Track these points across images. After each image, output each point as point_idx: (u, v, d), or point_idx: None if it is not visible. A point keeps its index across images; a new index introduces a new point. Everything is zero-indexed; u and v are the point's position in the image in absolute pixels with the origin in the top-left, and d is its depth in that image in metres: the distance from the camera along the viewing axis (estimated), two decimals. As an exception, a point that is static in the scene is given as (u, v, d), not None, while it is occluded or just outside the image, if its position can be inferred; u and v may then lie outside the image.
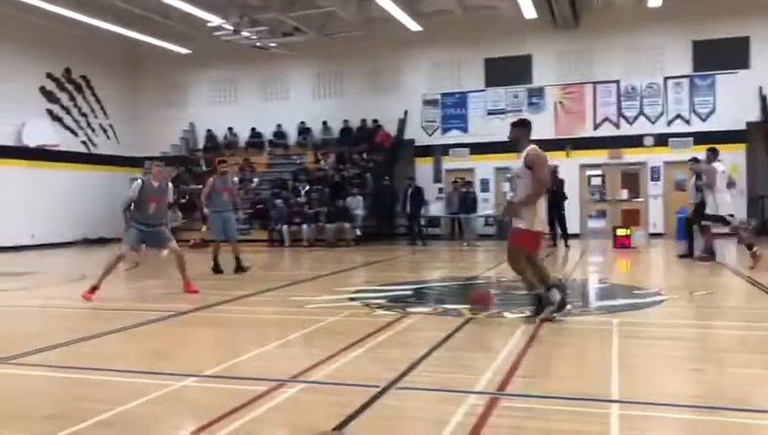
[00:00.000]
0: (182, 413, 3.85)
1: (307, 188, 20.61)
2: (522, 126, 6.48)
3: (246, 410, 3.76)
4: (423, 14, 20.30)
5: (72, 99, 22.33)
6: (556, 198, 16.90)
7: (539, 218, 6.25)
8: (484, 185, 21.21)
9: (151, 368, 4.82)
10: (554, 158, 20.12)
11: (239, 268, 11.58)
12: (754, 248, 10.56)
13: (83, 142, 22.72)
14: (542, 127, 20.77)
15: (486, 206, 20.45)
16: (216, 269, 11.63)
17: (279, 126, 23.40)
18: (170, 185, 9.05)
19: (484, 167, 21.25)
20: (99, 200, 21.36)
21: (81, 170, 21.80)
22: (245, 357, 5.20)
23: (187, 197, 21.32)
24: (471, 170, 21.22)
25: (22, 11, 18.51)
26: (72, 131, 22.28)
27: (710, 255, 11.47)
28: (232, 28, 18.79)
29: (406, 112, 21.81)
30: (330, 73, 23.19)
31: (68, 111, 22.15)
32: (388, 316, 6.82)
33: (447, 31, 21.11)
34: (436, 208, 20.80)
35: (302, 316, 7.02)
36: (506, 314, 6.91)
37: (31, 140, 20.22)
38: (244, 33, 19.12)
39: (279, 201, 20.03)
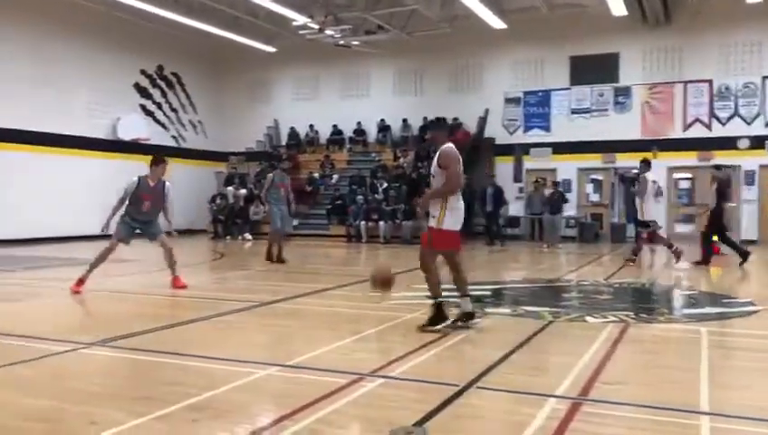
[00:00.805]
0: (267, 401, 3.98)
1: (385, 185, 20.75)
2: (438, 127, 6.42)
3: (327, 402, 3.84)
4: (507, 11, 20.05)
5: (164, 95, 23.31)
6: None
7: (453, 218, 5.97)
8: (567, 186, 20.75)
9: (236, 356, 4.99)
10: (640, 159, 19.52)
11: (281, 260, 12.34)
12: (674, 247, 12.35)
13: (173, 137, 23.68)
14: (628, 127, 20.20)
15: (568, 207, 20.01)
16: (280, 259, 12.30)
17: (359, 123, 23.65)
18: (167, 185, 8.99)
19: (567, 167, 20.81)
20: (186, 193, 22.17)
21: (170, 163, 22.67)
22: (325, 349, 5.30)
23: (270, 191, 21.84)
24: (553, 170, 20.82)
25: (119, 11, 19.45)
26: (163, 126, 23.26)
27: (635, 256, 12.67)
28: (317, 27, 19.12)
29: (487, 110, 21.60)
30: (410, 71, 23.25)
31: (159, 107, 23.14)
32: (467, 316, 6.78)
33: (532, 28, 20.77)
34: (515, 208, 20.53)
35: (379, 312, 7.09)
36: (588, 318, 6.76)
37: (125, 134, 21.23)
38: (328, 32, 19.42)
39: (359, 197, 20.26)
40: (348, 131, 23.99)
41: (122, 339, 5.57)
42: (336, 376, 4.38)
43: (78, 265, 8.87)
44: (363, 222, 19.52)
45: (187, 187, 22.47)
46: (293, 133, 24.66)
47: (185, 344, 5.47)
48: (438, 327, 5.91)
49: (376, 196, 20.35)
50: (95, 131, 20.39)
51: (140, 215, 8.70)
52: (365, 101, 23.82)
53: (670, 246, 12.47)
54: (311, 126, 24.40)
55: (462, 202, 6.07)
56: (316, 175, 22.75)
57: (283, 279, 10.45)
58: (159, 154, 9.39)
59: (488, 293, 8.76)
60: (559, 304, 7.90)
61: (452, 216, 5.96)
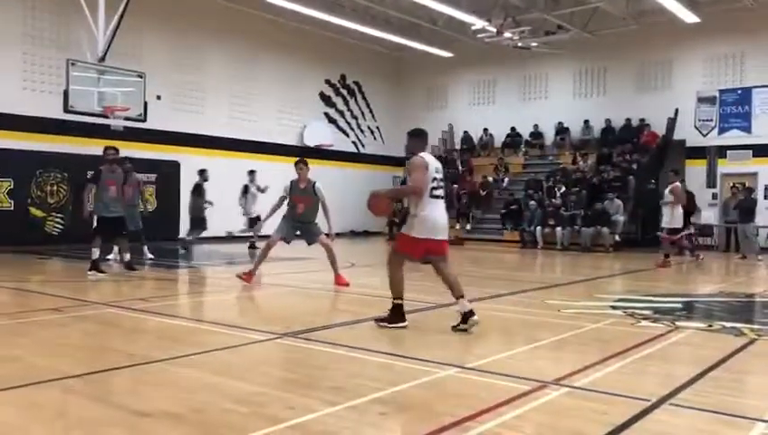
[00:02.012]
0: (449, 401, 4.00)
1: (563, 189, 20.11)
2: (413, 136, 6.46)
3: (510, 407, 3.80)
4: (700, 4, 18.64)
5: (346, 103, 24.45)
6: None
7: (420, 226, 6.08)
8: (769, 192, 18.83)
9: (416, 354, 5.08)
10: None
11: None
12: (696, 253, 14.71)
13: (353, 143, 24.76)
14: None
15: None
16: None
17: (536, 126, 23.16)
18: (318, 185, 9.28)
19: (770, 171, 18.88)
20: (365, 197, 23.05)
21: (350, 168, 23.75)
22: (505, 355, 5.25)
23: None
24: (754, 174, 18.97)
25: (307, 24, 20.70)
26: (345, 133, 24.39)
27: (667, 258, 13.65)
28: (495, 30, 19.02)
29: (676, 111, 20.20)
30: (591, 71, 22.37)
31: (342, 114, 24.30)
32: (656, 329, 6.39)
33: (730, 21, 19.12)
34: (708, 216, 18.98)
35: (559, 320, 6.90)
36: (799, 338, 6.07)
37: (310, 141, 22.54)
38: (507, 35, 19.25)
39: (532, 202, 19.83)
40: (524, 134, 23.59)
41: (311, 332, 5.92)
42: (517, 382, 4.32)
43: (272, 261, 9.55)
44: (539, 227, 19.06)
45: (365, 190, 23.32)
46: (467, 137, 24.71)
47: (367, 340, 5.67)
48: (397, 325, 6.17)
49: (553, 200, 19.77)
50: (284, 138, 21.84)
51: (297, 216, 9.25)
52: (542, 104, 23.30)
53: (692, 251, 14.68)
54: (485, 130, 24.30)
55: (436, 212, 6.12)
56: (490, 179, 22.61)
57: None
58: (301, 157, 9.90)
59: (679, 305, 8.18)
60: (763, 321, 7.18)
61: (420, 223, 6.08)
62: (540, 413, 3.78)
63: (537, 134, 23.24)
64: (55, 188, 15.57)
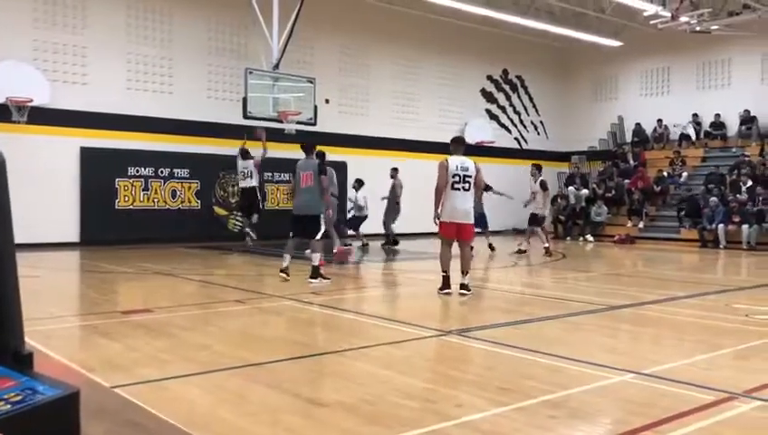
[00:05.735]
0: (625, 409, 3.81)
1: (749, 183, 18.37)
2: (451, 142, 8.35)
3: (693, 418, 3.54)
4: None
5: (508, 98, 24.03)
6: None
7: (444, 212, 7.77)
8: None
9: (587, 358, 4.89)
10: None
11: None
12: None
13: (516, 139, 24.29)
14: None
15: None
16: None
17: (717, 116, 21.36)
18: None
19: None
20: (527, 193, 22.58)
21: (512, 165, 23.33)
22: (685, 362, 4.91)
23: (614, 191, 21.15)
24: None
25: (468, 21, 20.63)
26: (507, 129, 23.99)
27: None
28: (670, 14, 17.81)
29: None
30: (784, 53, 20.22)
31: (503, 110, 23.93)
32: None
33: None
34: None
35: (748, 326, 6.34)
36: None
37: (472, 138, 22.38)
38: (683, 19, 17.94)
39: (713, 199, 18.31)
40: (703, 125, 21.85)
41: (477, 330, 5.90)
42: (701, 392, 4.02)
43: (431, 258, 9.62)
44: (722, 225, 17.56)
45: (529, 187, 22.84)
46: (639, 130, 23.35)
47: (534, 341, 5.55)
48: (443, 292, 7.79)
49: (738, 196, 18.13)
50: (445, 136, 21.89)
51: None
52: (724, 92, 21.43)
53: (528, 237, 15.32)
54: (659, 121, 22.83)
55: (455, 201, 7.69)
56: (665, 173, 21.21)
57: (628, 284, 9.98)
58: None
59: None
60: None
61: (444, 210, 7.75)
62: (728, 428, 3.49)
63: (718, 124, 21.42)
64: (236, 189, 16.75)
